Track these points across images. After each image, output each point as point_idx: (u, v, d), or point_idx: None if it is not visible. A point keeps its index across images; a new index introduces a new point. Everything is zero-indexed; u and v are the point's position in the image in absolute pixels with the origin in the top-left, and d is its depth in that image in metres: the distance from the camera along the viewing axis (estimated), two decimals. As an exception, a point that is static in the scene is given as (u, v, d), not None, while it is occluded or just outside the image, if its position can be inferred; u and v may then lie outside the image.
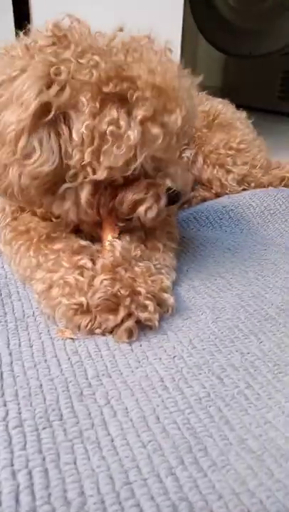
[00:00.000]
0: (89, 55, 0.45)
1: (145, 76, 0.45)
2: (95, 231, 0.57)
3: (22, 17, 0.90)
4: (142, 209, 0.51)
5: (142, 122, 0.45)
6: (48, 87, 0.44)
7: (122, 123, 0.44)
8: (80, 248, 0.53)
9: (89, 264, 0.51)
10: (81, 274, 0.50)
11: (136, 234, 0.57)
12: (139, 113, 0.44)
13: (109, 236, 0.54)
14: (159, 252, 0.57)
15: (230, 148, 0.88)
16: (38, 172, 0.45)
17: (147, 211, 0.51)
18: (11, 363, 0.43)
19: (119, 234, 0.55)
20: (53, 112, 0.44)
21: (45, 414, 0.38)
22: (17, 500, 0.31)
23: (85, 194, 0.48)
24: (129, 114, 0.45)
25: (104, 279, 0.48)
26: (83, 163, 0.46)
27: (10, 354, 0.45)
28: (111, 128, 0.44)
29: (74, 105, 0.44)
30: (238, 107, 0.98)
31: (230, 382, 0.42)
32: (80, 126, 0.44)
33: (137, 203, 0.51)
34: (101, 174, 0.46)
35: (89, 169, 0.46)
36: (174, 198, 0.53)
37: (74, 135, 0.45)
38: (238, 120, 0.93)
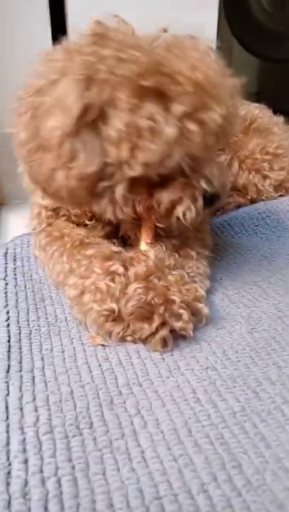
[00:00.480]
0: (129, 51, 0.45)
1: (186, 72, 0.44)
2: (133, 232, 0.57)
3: (59, 29, 0.92)
4: (180, 209, 0.50)
5: (180, 118, 0.44)
6: (88, 88, 0.44)
7: (159, 118, 0.43)
8: (111, 254, 0.53)
9: (120, 270, 0.50)
10: (112, 280, 0.49)
11: (170, 242, 0.56)
12: (178, 109, 0.43)
13: (142, 243, 0.54)
14: (192, 260, 0.56)
15: (267, 153, 0.86)
16: (84, 174, 0.45)
17: (186, 212, 0.50)
18: (43, 367, 0.44)
19: (154, 238, 0.54)
20: (94, 113, 0.44)
21: (76, 422, 0.37)
22: (46, 508, 0.31)
23: (120, 191, 0.48)
24: (167, 109, 0.44)
25: (138, 287, 0.47)
26: (120, 159, 0.45)
27: (42, 359, 0.45)
28: (148, 123, 0.43)
29: (112, 102, 0.44)
30: (275, 112, 0.96)
31: (266, 397, 0.40)
32: (117, 122, 0.44)
33: (174, 204, 0.50)
34: (136, 170, 0.45)
35: (125, 166, 0.45)
36: (210, 200, 0.51)
37: (111, 131, 0.44)
38: (276, 125, 0.91)
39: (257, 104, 0.93)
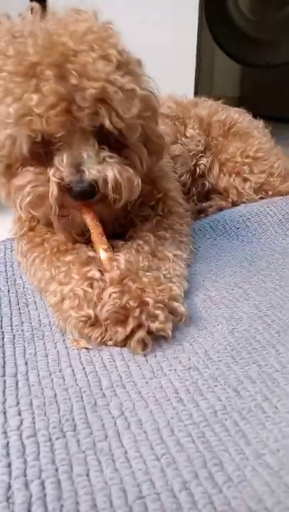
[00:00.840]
0: None
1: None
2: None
3: None
4: (19, 196, 0.51)
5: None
6: None
7: None
8: (88, 259, 0.54)
9: (97, 275, 0.51)
10: (90, 286, 0.50)
11: (146, 245, 0.56)
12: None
13: (100, 252, 0.53)
14: (169, 261, 0.56)
15: (247, 156, 0.88)
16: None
17: (24, 198, 0.51)
18: (27, 372, 0.44)
19: (109, 242, 0.54)
20: None
21: (59, 425, 0.38)
22: (29, 511, 0.31)
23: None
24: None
25: (113, 292, 0.48)
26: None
27: (26, 363, 0.45)
28: None
29: None
30: (256, 116, 0.98)
31: (247, 395, 0.41)
32: None
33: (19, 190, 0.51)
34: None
35: None
36: (77, 192, 0.49)
37: None
38: (256, 129, 0.93)
39: (236, 109, 0.96)
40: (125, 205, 0.54)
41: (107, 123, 0.48)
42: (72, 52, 0.46)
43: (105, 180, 0.49)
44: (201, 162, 0.87)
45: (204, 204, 0.87)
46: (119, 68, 0.48)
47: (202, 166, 0.87)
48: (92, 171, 0.48)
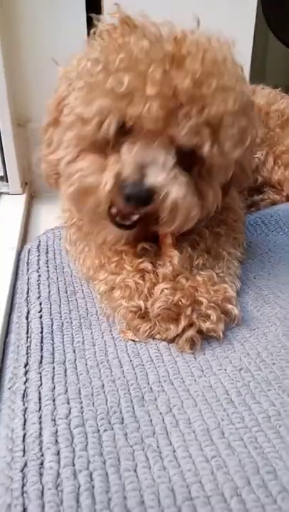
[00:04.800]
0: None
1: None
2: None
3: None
4: (70, 178, 0.48)
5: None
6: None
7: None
8: (142, 251, 0.53)
9: (150, 267, 0.50)
10: (142, 278, 0.49)
11: (201, 242, 0.55)
12: None
13: (167, 248, 0.52)
14: (223, 260, 0.55)
15: (305, 148, 0.83)
16: (52, 160, 0.51)
17: (72, 183, 0.47)
18: (75, 360, 0.44)
19: (176, 241, 0.52)
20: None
21: (107, 416, 0.37)
22: (77, 501, 0.31)
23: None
24: None
25: (165, 288, 0.46)
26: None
27: (74, 351, 0.45)
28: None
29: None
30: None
31: (303, 402, 0.39)
32: None
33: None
34: (76, 129, 0.47)
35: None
36: (128, 193, 0.43)
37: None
38: (315, 120, 0.87)
39: (295, 98, 0.90)
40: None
41: (206, 150, 0.43)
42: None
43: (166, 196, 0.43)
44: (255, 156, 0.83)
45: (256, 197, 0.83)
46: (241, 107, 0.45)
47: (256, 160, 0.83)
48: (156, 178, 0.43)
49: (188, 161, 0.46)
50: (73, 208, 0.53)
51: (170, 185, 0.44)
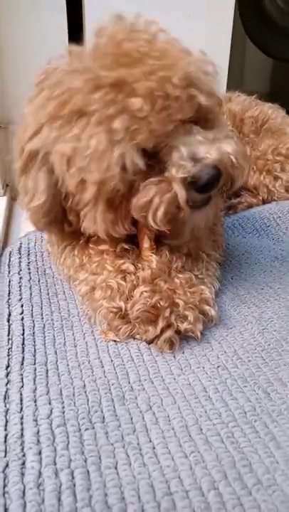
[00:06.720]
0: (51, 90, 0.45)
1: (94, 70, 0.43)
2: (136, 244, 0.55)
3: (76, 34, 0.92)
4: (149, 213, 0.45)
5: (100, 122, 0.42)
6: (36, 134, 0.47)
7: (83, 135, 0.43)
8: (123, 251, 0.53)
9: (131, 268, 0.51)
10: (123, 279, 0.50)
11: (179, 242, 0.56)
12: (93, 117, 0.42)
13: (145, 252, 0.53)
14: (202, 262, 0.56)
15: (279, 154, 0.86)
16: (34, 207, 0.50)
17: (155, 214, 0.45)
18: (56, 361, 0.44)
19: (155, 245, 0.52)
20: (40, 155, 0.47)
21: (88, 415, 0.38)
22: (59, 499, 0.31)
23: (100, 215, 0.46)
24: (88, 122, 0.43)
25: (144, 291, 0.47)
26: (71, 188, 0.46)
27: (55, 352, 0.45)
28: (73, 145, 0.43)
29: (50, 140, 0.46)
30: (288, 112, 0.95)
31: (277, 397, 0.40)
32: (54, 156, 0.46)
33: (145, 209, 0.45)
34: (92, 190, 0.44)
35: (83, 190, 0.46)
36: (203, 183, 0.44)
37: (54, 166, 0.46)
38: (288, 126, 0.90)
39: (270, 104, 0.93)
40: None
41: (202, 100, 0.44)
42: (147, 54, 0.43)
43: (228, 158, 0.45)
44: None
45: (234, 200, 0.85)
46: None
47: None
48: (212, 153, 0.44)
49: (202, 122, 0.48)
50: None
51: (223, 147, 0.45)
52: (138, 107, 0.41)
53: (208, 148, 0.45)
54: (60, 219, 0.52)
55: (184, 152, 0.44)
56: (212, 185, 0.45)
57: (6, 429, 0.36)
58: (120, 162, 0.42)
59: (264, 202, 0.85)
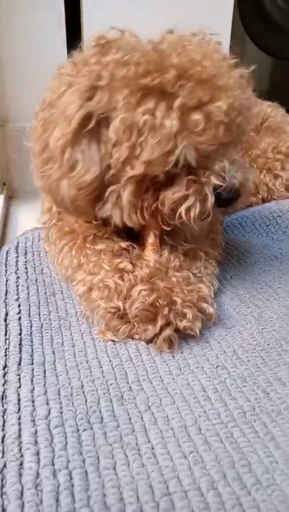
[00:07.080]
0: (131, 54, 0.45)
1: (186, 65, 0.44)
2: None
3: (74, 33, 0.92)
4: (182, 208, 0.47)
5: (182, 110, 0.43)
6: (91, 97, 0.45)
7: (158, 113, 0.43)
8: (120, 250, 0.53)
9: (129, 267, 0.51)
10: (121, 278, 0.50)
11: (177, 243, 0.55)
12: (178, 101, 0.43)
13: (148, 250, 0.53)
14: (200, 260, 0.56)
15: (279, 152, 0.85)
16: (81, 182, 0.46)
17: (188, 210, 0.47)
18: (54, 361, 0.44)
19: (160, 246, 0.53)
20: (93, 121, 0.45)
21: (86, 416, 0.38)
22: (57, 500, 0.31)
23: (126, 195, 0.47)
24: (168, 104, 0.43)
25: (142, 290, 0.47)
26: (121, 160, 0.45)
27: (53, 352, 0.45)
28: (145, 118, 0.43)
29: (112, 105, 0.44)
30: (287, 111, 0.95)
31: (276, 397, 0.40)
32: (116, 123, 0.44)
33: (179, 202, 0.47)
34: (139, 169, 0.44)
35: (128, 166, 0.45)
36: (226, 199, 0.48)
37: (111, 133, 0.44)
38: (288, 124, 0.90)
39: (269, 103, 0.93)
40: None
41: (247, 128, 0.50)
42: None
43: (248, 184, 0.50)
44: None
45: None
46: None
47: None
48: (238, 177, 0.48)
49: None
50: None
51: (247, 175, 0.50)
52: (217, 114, 0.44)
53: (237, 172, 0.48)
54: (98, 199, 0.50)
55: (226, 165, 0.47)
56: (230, 201, 0.49)
57: (3, 430, 0.36)
58: (183, 152, 0.44)
59: (264, 201, 0.85)
